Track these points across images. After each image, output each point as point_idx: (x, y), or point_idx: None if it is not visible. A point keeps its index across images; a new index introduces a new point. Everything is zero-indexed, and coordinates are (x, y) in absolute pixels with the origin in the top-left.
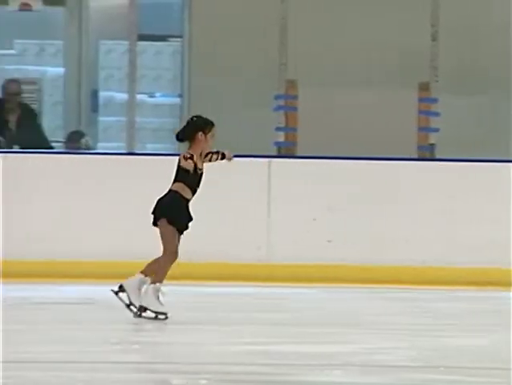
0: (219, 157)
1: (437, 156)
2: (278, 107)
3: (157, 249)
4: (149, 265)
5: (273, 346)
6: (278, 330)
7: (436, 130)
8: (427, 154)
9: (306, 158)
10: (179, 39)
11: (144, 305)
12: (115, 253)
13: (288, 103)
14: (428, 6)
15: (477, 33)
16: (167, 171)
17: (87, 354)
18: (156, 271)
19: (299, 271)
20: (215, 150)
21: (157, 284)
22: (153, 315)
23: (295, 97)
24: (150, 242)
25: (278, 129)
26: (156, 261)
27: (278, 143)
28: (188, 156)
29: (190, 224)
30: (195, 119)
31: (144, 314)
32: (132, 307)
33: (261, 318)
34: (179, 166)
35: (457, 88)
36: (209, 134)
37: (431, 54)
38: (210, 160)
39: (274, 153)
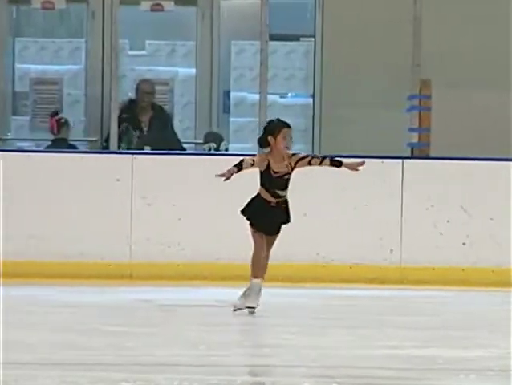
0: (325, 162)
1: None
2: (412, 108)
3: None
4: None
5: (407, 349)
6: (413, 334)
7: None
8: None
9: (440, 159)
10: (311, 39)
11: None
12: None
13: (422, 103)
14: None
15: None
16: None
17: (217, 357)
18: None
19: (433, 274)
20: (320, 155)
21: (252, 279)
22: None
23: (429, 97)
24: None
25: (411, 130)
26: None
27: (411, 144)
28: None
29: (284, 226)
30: (266, 124)
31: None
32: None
33: (395, 321)
34: None
35: None
36: (279, 136)
37: None
38: (310, 164)
39: (408, 154)
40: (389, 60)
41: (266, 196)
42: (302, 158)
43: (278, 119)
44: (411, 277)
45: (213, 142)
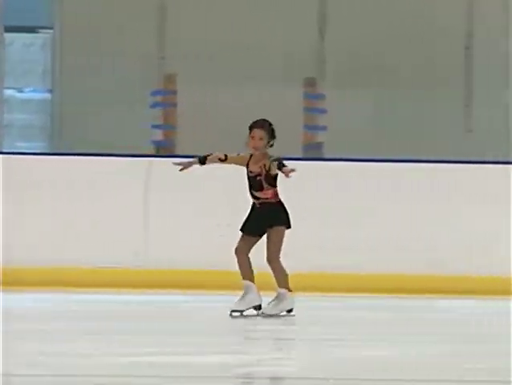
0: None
1: (326, 156)
2: (156, 104)
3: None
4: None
5: (151, 356)
6: (163, 340)
7: (324, 128)
8: (314, 153)
9: (185, 157)
10: (49, 31)
11: None
12: None
13: (166, 99)
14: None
15: (364, 26)
16: (38, 171)
17: None
18: None
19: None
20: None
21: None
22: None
23: (174, 92)
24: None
25: (154, 127)
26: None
27: (156, 142)
28: None
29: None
30: None
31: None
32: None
33: (143, 327)
34: None
35: (344, 84)
36: (250, 136)
37: (318, 49)
38: (279, 168)
39: (153, 152)
40: (132, 53)
41: (250, 196)
42: (273, 161)
43: (260, 120)
44: (156, 280)
45: None
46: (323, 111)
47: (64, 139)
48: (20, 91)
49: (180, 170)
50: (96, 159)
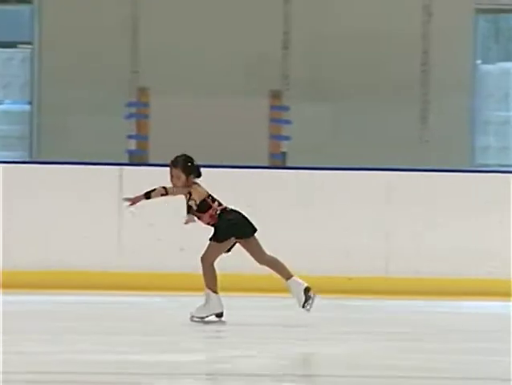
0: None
1: (288, 164)
2: (130, 115)
3: None
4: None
5: (117, 355)
6: (119, 339)
7: (288, 138)
8: (278, 162)
9: (158, 166)
10: (29, 46)
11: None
12: None
13: (140, 110)
14: (280, 14)
15: (326, 41)
16: (18, 179)
17: None
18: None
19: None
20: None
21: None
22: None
23: (147, 105)
24: None
25: (129, 137)
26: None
27: (130, 151)
28: None
29: None
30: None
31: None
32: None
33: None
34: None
35: (307, 96)
36: None
37: (282, 62)
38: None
39: (126, 161)
40: (108, 66)
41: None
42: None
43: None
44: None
45: None
46: (288, 122)
47: (42, 148)
48: (0, 103)
49: (129, 205)
50: (73, 167)
